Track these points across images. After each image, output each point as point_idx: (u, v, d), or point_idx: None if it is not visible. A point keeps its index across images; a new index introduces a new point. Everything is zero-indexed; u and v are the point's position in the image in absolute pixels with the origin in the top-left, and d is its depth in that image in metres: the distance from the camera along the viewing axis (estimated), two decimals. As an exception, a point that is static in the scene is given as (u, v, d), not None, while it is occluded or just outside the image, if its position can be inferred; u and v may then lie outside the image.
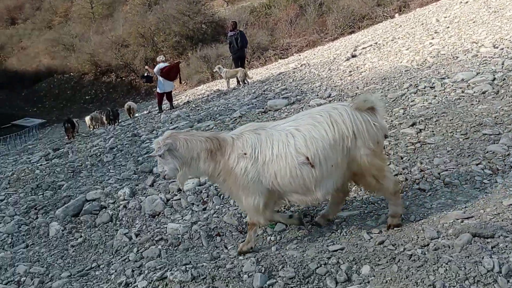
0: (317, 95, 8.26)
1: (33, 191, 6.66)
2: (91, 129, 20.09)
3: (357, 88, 7.86)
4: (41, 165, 9.25)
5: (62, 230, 4.60)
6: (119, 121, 18.31)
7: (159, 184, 5.19)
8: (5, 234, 5.00)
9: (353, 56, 12.47)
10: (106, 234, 4.31)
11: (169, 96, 15.36)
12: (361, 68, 9.97)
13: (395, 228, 3.26)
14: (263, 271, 2.91)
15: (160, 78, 14.74)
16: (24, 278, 3.67)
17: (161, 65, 14.85)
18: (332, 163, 3.09)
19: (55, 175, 7.39)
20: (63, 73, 63.13)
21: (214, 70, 19.17)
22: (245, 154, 3.17)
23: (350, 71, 10.04)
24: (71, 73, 62.15)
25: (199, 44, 45.51)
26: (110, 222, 4.58)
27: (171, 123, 10.49)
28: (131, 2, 59.19)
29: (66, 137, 16.71)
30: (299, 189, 3.18)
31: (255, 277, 2.85)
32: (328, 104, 3.82)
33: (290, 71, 14.90)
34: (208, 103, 12.66)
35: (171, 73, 14.91)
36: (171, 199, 4.65)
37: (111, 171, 6.68)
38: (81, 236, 4.36)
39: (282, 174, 3.11)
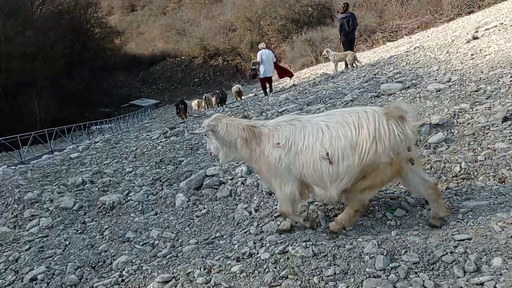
0: (435, 79, 7.82)
1: (157, 165, 7.28)
2: (201, 110, 21.22)
3: (481, 72, 7.30)
4: (161, 142, 10.04)
5: (187, 201, 5.00)
6: (227, 103, 19.15)
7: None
8: (136, 201, 5.57)
9: (475, 38, 11.53)
10: (227, 207, 4.60)
11: (269, 80, 16.17)
12: (485, 51, 9.22)
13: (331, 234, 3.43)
14: (385, 253, 2.92)
15: (261, 65, 15.57)
16: (157, 241, 4.09)
17: (262, 51, 15.73)
18: (348, 163, 3.17)
19: (175, 151, 7.99)
20: (175, 57, 67.05)
21: (323, 53, 18.96)
22: (278, 144, 3.39)
23: (472, 54, 9.34)
24: (182, 57, 65.82)
25: (304, 27, 45.19)
26: (229, 197, 4.87)
27: (279, 105, 10.68)
28: (240, -13, 60.42)
29: (179, 117, 17.86)
30: (318, 183, 3.34)
31: (377, 259, 2.88)
32: (363, 106, 3.69)
33: (402, 54, 14.27)
34: (315, 87, 12.64)
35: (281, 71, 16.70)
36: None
37: (226, 149, 7.03)
38: (204, 208, 4.71)
39: (307, 165, 3.30)
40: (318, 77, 16.53)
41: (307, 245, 3.18)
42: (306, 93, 11.66)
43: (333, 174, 3.22)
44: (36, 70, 36.92)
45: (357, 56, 15.78)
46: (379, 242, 3.10)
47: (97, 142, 15.89)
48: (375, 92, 8.01)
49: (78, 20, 53.44)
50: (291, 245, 3.23)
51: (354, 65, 14.71)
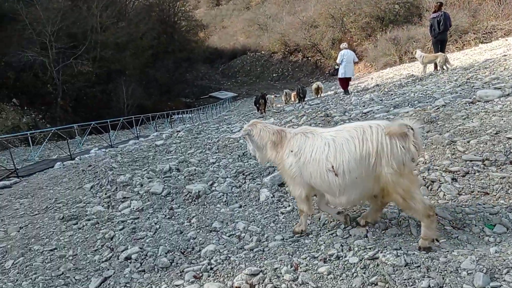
0: (540, 87, 7.24)
1: (239, 158, 7.45)
2: (282, 105, 21.32)
3: None
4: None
5: (271, 197, 5.07)
6: (306, 99, 19.07)
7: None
8: (221, 193, 5.74)
9: None
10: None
11: (348, 80, 16.12)
12: None
13: (424, 251, 3.26)
14: (484, 271, 2.77)
15: (341, 65, 15.57)
16: (244, 234, 4.19)
17: (344, 52, 15.63)
18: (356, 175, 3.40)
19: (257, 146, 8.11)
20: (255, 51, 67.89)
21: (412, 53, 18.20)
22: (291, 151, 3.79)
23: None
24: (262, 52, 66.49)
25: (390, 26, 43.70)
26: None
27: (363, 106, 10.45)
28: (324, -17, 59.69)
29: (258, 111, 18.08)
30: (328, 191, 3.63)
31: (476, 276, 2.73)
32: (370, 121, 3.74)
33: (499, 58, 13.32)
34: (402, 88, 12.20)
35: None
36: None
37: (309, 148, 7.02)
38: (289, 205, 4.74)
39: (314, 175, 3.62)
40: (403, 78, 15.94)
41: (399, 254, 3.10)
42: (392, 94, 11.29)
43: (341, 185, 3.48)
44: (126, 59, 39.16)
45: (449, 59, 14.97)
46: (477, 258, 2.94)
47: (179, 131, 16.54)
48: (470, 98, 7.56)
49: (167, 13, 55.77)
50: (381, 252, 3.17)
51: (444, 67, 13.99)
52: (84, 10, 35.36)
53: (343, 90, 16.43)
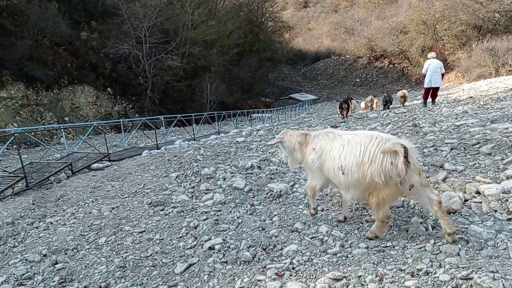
0: None
1: (322, 161, 7.38)
2: (365, 111, 20.89)
3: None
4: (324, 138, 10.14)
5: (356, 204, 4.97)
6: (391, 107, 18.48)
7: (453, 181, 5.01)
8: (302, 194, 5.73)
9: None
10: (400, 218, 4.43)
11: (434, 92, 15.12)
12: None
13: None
14: None
15: (427, 74, 14.68)
16: (327, 238, 4.15)
17: (430, 61, 14.73)
18: (355, 177, 3.88)
19: (340, 150, 7.99)
20: (340, 55, 67.06)
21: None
22: (314, 149, 4.42)
23: None
24: (347, 56, 65.51)
25: (487, 35, 40.98)
26: (402, 208, 4.69)
27: (456, 118, 9.90)
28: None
29: (340, 115, 17.83)
30: (339, 186, 4.18)
31: None
32: (381, 133, 4.04)
33: None
34: (499, 102, 11.40)
35: None
36: (470, 200, 4.44)
37: (395, 157, 6.79)
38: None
39: (330, 170, 4.18)
40: (501, 91, 14.87)
41: (496, 277, 2.91)
42: (488, 108, 10.58)
43: (346, 183, 4.00)
44: (212, 56, 40.39)
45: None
46: None
47: (259, 130, 16.76)
48: None
49: (255, 13, 56.73)
50: (476, 273, 2.99)
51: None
52: (178, 7, 37.01)
53: (423, 100, 15.72)
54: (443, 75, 15.03)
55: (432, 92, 15.17)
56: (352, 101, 19.17)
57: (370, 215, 4.62)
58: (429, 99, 15.39)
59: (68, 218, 6.16)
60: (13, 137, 11.55)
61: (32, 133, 19.09)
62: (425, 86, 15.12)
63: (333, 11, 79.37)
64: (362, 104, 22.62)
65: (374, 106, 21.38)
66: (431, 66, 14.65)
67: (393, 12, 57.73)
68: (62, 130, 17.98)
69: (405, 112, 14.22)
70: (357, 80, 60.04)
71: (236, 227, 4.79)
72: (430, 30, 48.18)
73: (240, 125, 28.05)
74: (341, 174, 3.99)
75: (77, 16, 30.62)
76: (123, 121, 21.18)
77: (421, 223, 4.16)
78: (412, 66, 53.15)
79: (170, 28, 35.03)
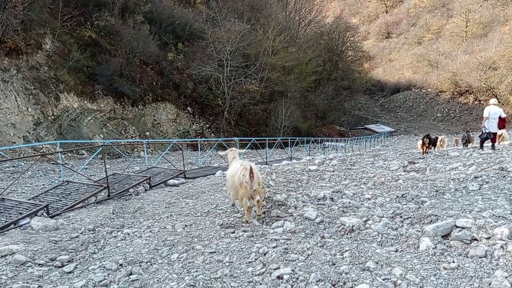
0: None
1: (397, 199, 7.12)
2: (441, 148, 19.99)
3: None
4: (401, 175, 9.81)
5: (433, 248, 4.73)
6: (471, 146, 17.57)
7: (545, 235, 4.61)
8: (376, 232, 5.55)
9: None
10: (481, 269, 4.14)
11: (493, 137, 15.32)
12: None
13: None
14: None
15: (487, 120, 15.01)
16: (400, 281, 3.97)
17: (490, 107, 15.13)
18: (231, 182, 6.83)
19: (418, 189, 7.67)
20: (421, 88, 64.98)
21: None
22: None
23: None
24: (428, 89, 63.31)
25: None
26: (484, 258, 4.39)
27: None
28: (512, 23, 54.45)
29: (421, 150, 17.23)
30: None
31: None
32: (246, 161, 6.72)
33: None
34: None
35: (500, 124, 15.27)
36: None
37: (479, 202, 6.39)
38: (454, 262, 4.36)
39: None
40: None
41: None
42: None
43: (229, 186, 7.05)
44: (290, 82, 40.86)
45: None
46: None
47: (332, 159, 16.55)
48: None
49: (335, 42, 56.75)
50: None
51: None
52: (260, 33, 38.03)
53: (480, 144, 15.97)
54: (502, 119, 15.19)
55: (492, 137, 15.25)
56: (439, 137, 18.77)
57: (449, 262, 4.36)
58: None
59: (144, 231, 6.45)
60: (100, 148, 12.38)
61: (116, 145, 20.34)
62: (484, 131, 15.31)
63: (417, 43, 77.28)
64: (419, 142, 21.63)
65: (438, 144, 20.20)
66: (491, 113, 14.96)
67: (482, 46, 55.09)
68: (144, 145, 18.98)
69: (490, 154, 13.38)
70: (438, 115, 57.62)
71: (306, 259, 4.74)
72: (523, 67, 45.32)
73: (312, 152, 27.91)
74: (229, 182, 6.91)
75: (166, 38, 32.55)
76: (200, 141, 21.91)
77: (506, 277, 3.86)
78: (501, 104, 50.06)
79: (251, 53, 36.05)
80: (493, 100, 15.90)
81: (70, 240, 6.25)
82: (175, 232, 6.23)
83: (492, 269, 4.12)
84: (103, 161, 11.12)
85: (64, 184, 10.01)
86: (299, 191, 8.26)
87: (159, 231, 6.34)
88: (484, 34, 59.90)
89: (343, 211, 6.63)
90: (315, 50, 48.94)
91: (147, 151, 23.33)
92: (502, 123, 15.26)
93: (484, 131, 15.31)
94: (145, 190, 10.69)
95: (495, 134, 15.34)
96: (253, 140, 21.04)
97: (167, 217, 7.27)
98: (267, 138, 21.96)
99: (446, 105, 58.42)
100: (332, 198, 7.47)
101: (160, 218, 7.21)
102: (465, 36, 64.87)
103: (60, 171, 14.25)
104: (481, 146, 15.66)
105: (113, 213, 7.84)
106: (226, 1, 38.50)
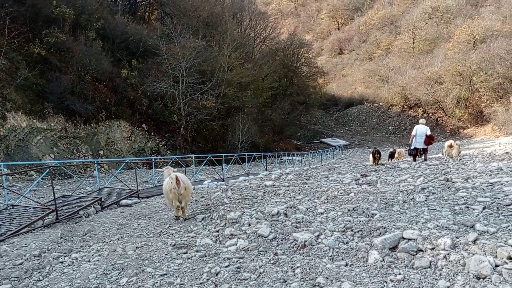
0: None
1: (349, 213, 7.27)
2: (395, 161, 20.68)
3: None
4: (353, 188, 10.03)
5: (381, 261, 4.84)
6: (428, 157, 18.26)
7: (484, 243, 4.82)
8: (327, 246, 5.63)
9: None
10: (426, 280, 4.28)
11: (422, 150, 17.14)
12: None
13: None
14: None
15: (414, 138, 16.93)
16: (349, 295, 4.04)
17: (417, 126, 17.12)
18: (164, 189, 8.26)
19: (368, 202, 7.87)
20: (373, 102, 67.04)
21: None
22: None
23: None
24: (380, 103, 65.41)
25: (526, 89, 40.34)
26: (428, 269, 4.54)
27: (490, 175, 9.64)
28: (455, 40, 57.41)
29: (373, 163, 17.76)
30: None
31: None
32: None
33: None
34: (537, 160, 11.04)
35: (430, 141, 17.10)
36: (501, 266, 4.25)
37: (425, 213, 6.62)
38: (400, 274, 4.48)
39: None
40: (540, 149, 14.42)
41: None
42: (525, 166, 10.27)
43: (164, 193, 8.42)
44: (246, 97, 41.07)
45: None
46: None
47: (289, 174, 16.69)
48: None
49: (290, 58, 57.74)
50: None
51: None
52: (216, 50, 38.17)
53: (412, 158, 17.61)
54: (428, 136, 16.82)
55: (422, 151, 17.15)
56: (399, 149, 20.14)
57: (396, 274, 4.47)
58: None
59: (93, 255, 6.24)
60: (48, 169, 11.93)
61: (66, 165, 19.68)
62: (411, 147, 17.31)
63: (368, 59, 79.93)
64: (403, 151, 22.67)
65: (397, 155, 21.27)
66: (418, 131, 16.86)
67: (428, 62, 57.69)
68: (96, 164, 18.44)
69: (437, 165, 13.93)
70: (390, 127, 59.56)
71: (258, 277, 4.74)
72: (466, 81, 47.76)
73: (270, 167, 28.06)
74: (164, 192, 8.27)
75: (119, 55, 32.02)
76: (154, 159, 21.57)
77: (448, 287, 4.01)
78: (447, 117, 52.46)
79: (207, 69, 36.04)
80: (422, 120, 17.89)
81: (13, 267, 5.95)
82: (125, 254, 6.07)
83: (435, 279, 4.27)
84: (51, 183, 10.71)
85: (8, 208, 9.55)
86: (253, 207, 8.27)
87: (108, 255, 6.15)
88: (430, 50, 62.80)
89: (296, 227, 6.68)
90: (271, 66, 49.60)
91: (100, 170, 22.70)
92: (428, 139, 16.81)
93: (410, 148, 17.31)
94: (96, 211, 10.37)
95: (424, 149, 17.07)
96: (210, 157, 20.92)
97: (118, 239, 7.07)
98: (223, 154, 21.89)
99: (397, 118, 60.53)
100: (285, 214, 7.52)
101: (110, 241, 7.00)
102: (412, 52, 67.78)
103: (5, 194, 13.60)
104: (414, 160, 17.11)
105: (61, 237, 7.54)
106: (181, 18, 38.44)
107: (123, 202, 11.36)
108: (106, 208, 10.83)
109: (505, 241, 4.84)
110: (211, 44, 38.75)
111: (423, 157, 17.20)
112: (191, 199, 9.09)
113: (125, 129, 29.53)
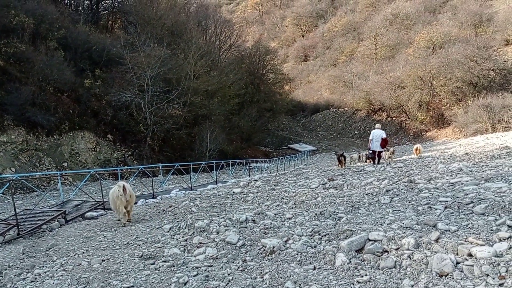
0: None
1: (316, 217, 7.34)
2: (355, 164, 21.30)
3: None
4: (320, 192, 10.15)
5: (348, 263, 4.90)
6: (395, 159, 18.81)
7: (445, 242, 4.97)
8: (295, 251, 5.66)
9: None
10: (391, 280, 4.36)
11: (378, 153, 18.42)
12: None
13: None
14: None
15: (372, 141, 18.36)
16: (317, 299, 4.07)
17: (374, 131, 18.54)
18: (111, 198, 9.25)
19: (335, 206, 7.98)
20: (339, 107, 68.17)
21: None
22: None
23: None
24: (346, 108, 66.58)
25: (483, 92, 41.94)
26: (394, 269, 4.63)
27: (451, 175, 9.96)
28: (415, 45, 59.20)
29: (340, 166, 18.15)
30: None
31: None
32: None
33: None
34: (494, 160, 11.50)
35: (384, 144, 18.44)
36: (462, 263, 4.39)
37: (390, 214, 6.77)
38: (366, 275, 4.55)
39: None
40: (497, 149, 15.03)
41: None
42: (483, 166, 10.66)
43: (110, 201, 9.42)
44: (213, 105, 40.97)
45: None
46: None
47: (257, 180, 16.74)
48: None
49: (256, 65, 58.14)
50: None
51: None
52: (181, 58, 37.96)
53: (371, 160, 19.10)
54: (383, 139, 18.20)
55: (378, 153, 18.38)
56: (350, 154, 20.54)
57: (362, 276, 4.54)
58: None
59: (56, 270, 6.05)
60: (8, 183, 11.53)
61: (28, 179, 19.06)
62: (370, 150, 18.81)
63: (332, 65, 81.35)
64: (355, 156, 23.39)
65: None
66: (375, 136, 18.26)
67: (390, 67, 59.18)
68: (59, 177, 17.93)
69: (401, 167, 14.29)
70: (355, 132, 60.65)
71: (226, 285, 4.71)
72: (427, 85, 49.24)
73: (238, 175, 28.04)
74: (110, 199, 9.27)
75: (82, 64, 31.34)
76: (120, 169, 21.18)
77: (411, 286, 4.10)
78: (410, 120, 53.86)
79: (173, 78, 35.78)
80: (377, 125, 19.32)
81: (-29, 287, 5.70)
82: (91, 268, 5.91)
83: (400, 279, 4.36)
84: (12, 197, 10.34)
85: (-34, 226, 9.16)
86: (222, 215, 8.24)
87: (73, 269, 5.98)
88: (391, 55, 64.48)
89: (265, 233, 6.69)
90: (237, 73, 49.74)
91: (64, 183, 22.11)
92: (383, 143, 18.16)
93: (369, 151, 18.80)
94: (60, 225, 10.08)
95: (379, 152, 18.41)
96: (177, 166, 20.72)
97: (83, 252, 6.89)
98: (191, 163, 21.73)
99: (362, 122, 61.70)
100: (254, 220, 7.53)
101: (75, 255, 6.81)
102: (375, 58, 69.45)
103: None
104: (373, 162, 18.40)
105: (23, 253, 7.29)
106: (145, 26, 38.10)
107: (89, 214, 11.09)
108: (71, 222, 10.54)
109: (466, 238, 5.00)
110: (176, 53, 38.52)
111: (381, 159, 18.45)
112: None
113: (90, 140, 28.88)
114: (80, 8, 41.13)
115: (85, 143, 28.31)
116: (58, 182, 19.71)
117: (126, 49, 32.49)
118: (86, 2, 41.42)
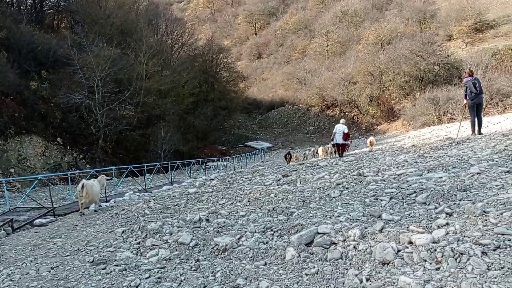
0: None
1: (269, 213, 7.46)
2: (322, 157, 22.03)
3: None
4: (274, 189, 10.30)
5: (297, 257, 5.04)
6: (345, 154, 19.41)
7: (389, 231, 5.21)
8: (248, 248, 5.75)
9: None
10: (337, 270, 4.54)
11: (340, 146, 19.77)
12: None
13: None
14: None
15: (335, 135, 19.58)
16: (267, 293, 4.18)
17: (337, 126, 19.65)
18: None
19: (287, 201, 8.14)
20: (293, 104, 69.05)
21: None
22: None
23: None
24: (300, 105, 67.54)
25: (429, 86, 43.76)
26: (340, 260, 4.81)
27: (397, 167, 10.36)
28: (364, 42, 60.90)
29: (288, 163, 18.68)
30: None
31: None
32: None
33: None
34: (437, 151, 12.04)
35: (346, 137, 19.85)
36: (403, 250, 4.62)
37: (339, 207, 6.99)
38: (314, 267, 4.70)
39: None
40: (441, 140, 15.75)
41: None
42: (427, 157, 11.15)
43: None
44: (167, 105, 40.53)
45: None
46: None
47: (213, 179, 16.72)
48: (507, 167, 7.39)
49: (209, 63, 57.93)
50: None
51: (480, 132, 13.76)
52: (132, 58, 37.31)
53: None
54: (345, 134, 19.43)
55: (340, 147, 19.73)
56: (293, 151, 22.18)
57: (310, 268, 4.69)
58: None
59: (3, 280, 5.85)
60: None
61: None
62: (332, 142, 20.28)
63: (286, 62, 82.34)
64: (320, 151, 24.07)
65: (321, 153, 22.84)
66: (337, 130, 19.48)
67: (342, 63, 60.64)
68: (4, 184, 17.18)
69: (352, 161, 14.70)
70: (310, 128, 61.71)
71: (178, 285, 4.74)
72: (377, 80, 50.82)
73: (194, 175, 27.89)
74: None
75: (27, 66, 30.12)
76: (70, 173, 20.58)
77: (356, 275, 4.29)
78: (362, 115, 55.39)
79: (124, 78, 35.10)
80: (342, 120, 20.63)
81: None
82: (39, 276, 5.76)
83: (346, 269, 4.54)
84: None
85: None
86: (175, 216, 8.22)
87: (20, 278, 5.81)
88: (342, 52, 66.11)
89: (218, 231, 6.74)
90: (190, 72, 49.37)
91: (12, 190, 21.20)
92: (345, 136, 19.48)
93: (331, 144, 20.29)
94: (7, 234, 9.70)
95: (343, 145, 19.87)
96: (130, 168, 20.36)
97: (31, 261, 6.69)
98: (145, 164, 21.42)
99: (316, 118, 62.88)
100: (208, 220, 7.56)
101: (22, 264, 6.60)
102: (327, 54, 70.91)
103: None
104: (338, 154, 19.64)
105: (-33, 266, 6.98)
106: (93, 26, 37.07)
107: (37, 221, 10.73)
108: (19, 230, 10.17)
109: (407, 227, 5.26)
110: (127, 52, 37.82)
111: (342, 153, 19.41)
112: (95, 200, 11.64)
113: (38, 144, 27.84)
114: (22, 7, 39.43)
115: (33, 148, 27.27)
116: (3, 190, 18.90)
117: (73, 49, 31.52)
118: (29, 1, 39.70)
